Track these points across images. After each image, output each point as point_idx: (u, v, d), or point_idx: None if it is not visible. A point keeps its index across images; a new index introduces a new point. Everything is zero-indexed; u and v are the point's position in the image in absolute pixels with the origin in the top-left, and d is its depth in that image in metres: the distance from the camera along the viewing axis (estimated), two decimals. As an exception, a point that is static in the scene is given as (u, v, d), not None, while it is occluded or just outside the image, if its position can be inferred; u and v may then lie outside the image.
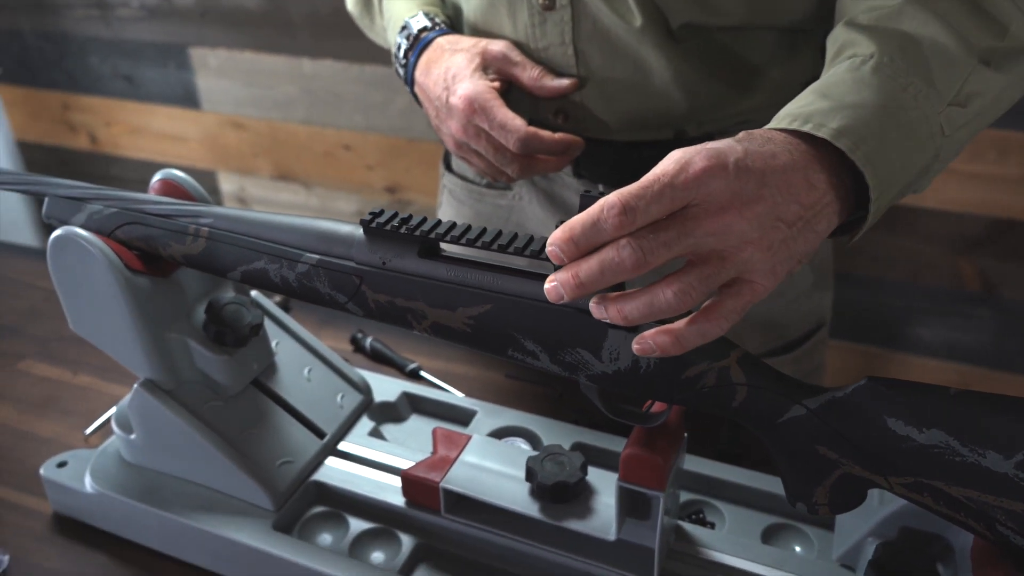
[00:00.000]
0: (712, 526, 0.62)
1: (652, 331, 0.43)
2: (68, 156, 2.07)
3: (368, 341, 0.86)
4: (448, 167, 0.89)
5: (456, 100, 0.67)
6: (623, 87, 0.70)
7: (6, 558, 0.63)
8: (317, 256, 0.53)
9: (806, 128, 0.45)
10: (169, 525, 0.61)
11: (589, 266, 0.42)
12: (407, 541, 0.60)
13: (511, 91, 0.72)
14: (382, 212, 0.52)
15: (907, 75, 0.49)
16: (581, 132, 0.71)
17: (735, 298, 0.43)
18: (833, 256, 0.87)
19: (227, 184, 1.92)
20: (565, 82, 0.69)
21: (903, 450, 0.44)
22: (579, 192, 0.78)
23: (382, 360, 0.85)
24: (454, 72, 0.69)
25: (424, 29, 0.74)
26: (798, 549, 0.60)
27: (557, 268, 0.46)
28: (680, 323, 0.43)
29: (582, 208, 0.46)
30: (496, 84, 0.69)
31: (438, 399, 0.72)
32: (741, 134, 0.45)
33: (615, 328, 0.47)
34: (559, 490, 0.56)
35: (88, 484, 0.64)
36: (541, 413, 0.70)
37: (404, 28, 0.75)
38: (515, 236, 0.49)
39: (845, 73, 0.50)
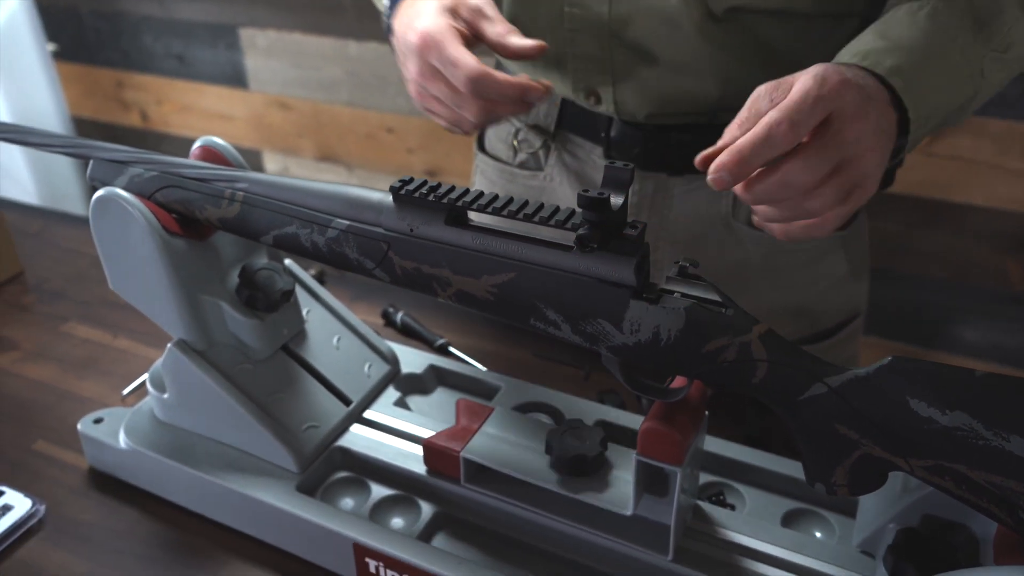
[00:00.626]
0: (732, 508, 0.62)
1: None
2: (120, 133, 2.13)
3: (399, 316, 0.87)
4: (481, 147, 0.89)
5: (412, 36, 0.63)
6: (657, 69, 0.69)
7: (42, 508, 0.66)
8: (347, 222, 0.54)
9: (865, 64, 0.52)
10: (197, 483, 0.63)
11: (765, 186, 0.50)
12: (427, 508, 0.61)
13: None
14: (411, 180, 0.53)
15: (959, 20, 0.54)
16: (613, 114, 0.71)
17: (846, 205, 0.51)
18: (869, 246, 0.86)
19: (271, 164, 1.96)
20: (529, 43, 0.63)
21: (925, 432, 0.43)
22: None
23: (412, 335, 0.86)
24: (419, 9, 0.65)
25: None
26: (819, 535, 0.59)
27: (586, 237, 0.46)
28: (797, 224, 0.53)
29: (606, 179, 0.47)
30: (460, 28, 0.64)
31: (464, 373, 0.73)
32: (818, 65, 0.51)
33: (637, 299, 0.47)
34: (577, 463, 0.56)
35: (122, 440, 0.66)
36: (575, 393, 0.70)
37: None
38: (541, 206, 0.49)
39: (904, 16, 0.56)
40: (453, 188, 0.52)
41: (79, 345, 0.86)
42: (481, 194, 0.51)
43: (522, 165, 0.83)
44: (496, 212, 0.49)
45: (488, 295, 0.51)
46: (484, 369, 0.78)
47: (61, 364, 0.83)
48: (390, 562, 0.57)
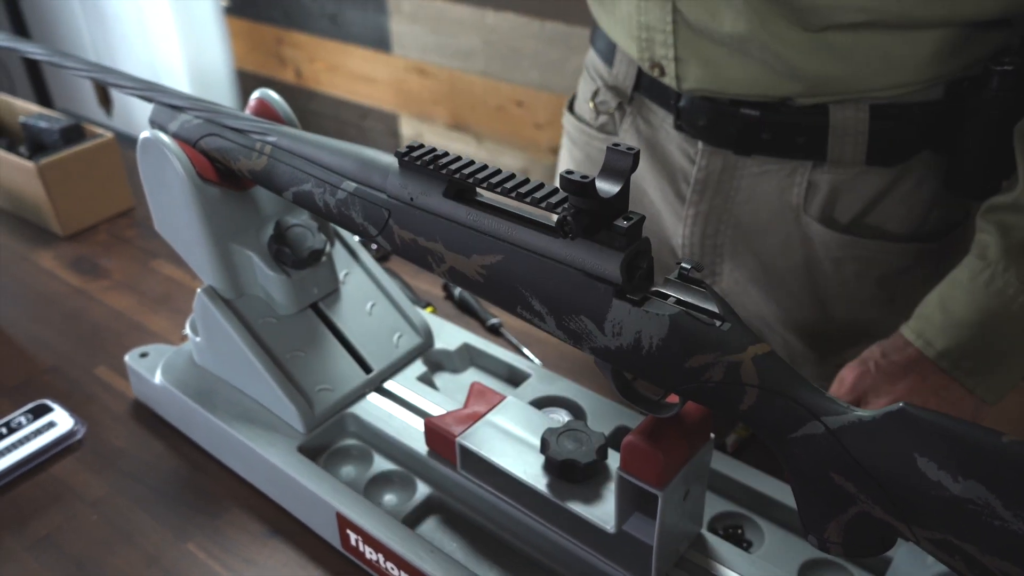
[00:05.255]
0: (748, 545, 0.55)
1: None
2: (276, 88, 2.23)
3: (458, 291, 0.85)
4: (570, 108, 0.87)
5: None
6: (721, 49, 0.63)
7: (83, 429, 0.69)
8: (355, 185, 0.52)
9: (918, 345, 0.57)
10: (213, 428, 0.64)
11: None
12: (422, 489, 0.59)
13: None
14: (420, 146, 0.50)
15: (1019, 282, 0.53)
16: (677, 88, 0.66)
17: None
18: None
19: (407, 128, 1.99)
20: None
21: (932, 498, 0.36)
22: (680, 145, 0.73)
23: (467, 311, 0.84)
24: None
25: None
26: (839, 592, 0.52)
27: (565, 223, 0.42)
28: None
29: (606, 162, 0.42)
30: None
31: (496, 356, 0.70)
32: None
33: (620, 299, 0.42)
34: (568, 468, 0.52)
35: (158, 376, 0.68)
36: (605, 393, 0.66)
37: None
38: (540, 185, 0.45)
39: (966, 282, 0.58)
40: (459, 159, 0.48)
41: (161, 282, 0.91)
42: (484, 167, 0.47)
43: (601, 128, 0.80)
44: (491, 188, 0.45)
45: (478, 276, 0.47)
46: (531, 356, 0.75)
47: (141, 297, 0.88)
48: (368, 538, 0.55)
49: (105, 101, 0.86)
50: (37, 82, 2.06)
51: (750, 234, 0.72)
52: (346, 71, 2.03)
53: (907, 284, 0.70)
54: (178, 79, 2.29)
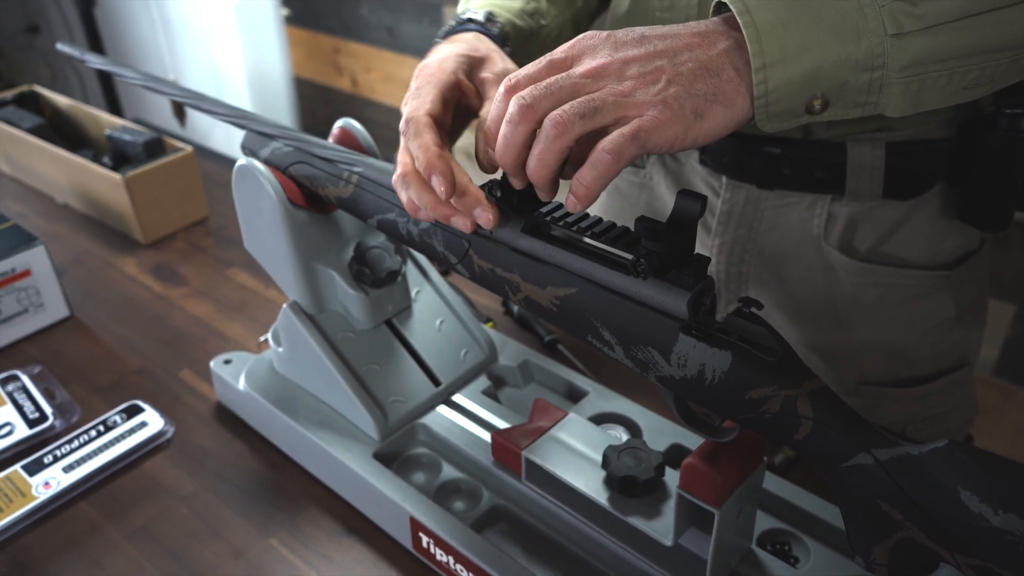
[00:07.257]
0: (796, 561, 0.59)
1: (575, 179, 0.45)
2: (332, 95, 2.30)
3: (517, 306, 0.89)
4: None
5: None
6: None
7: (172, 429, 0.75)
8: (437, 216, 0.57)
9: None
10: (293, 432, 0.69)
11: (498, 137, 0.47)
12: (488, 498, 0.64)
13: None
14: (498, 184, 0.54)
15: None
16: None
17: (619, 132, 0.43)
18: (988, 292, 0.79)
19: (460, 138, 2.04)
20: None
21: (974, 529, 0.39)
22: (705, 179, 0.77)
23: (526, 326, 0.88)
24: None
25: (468, 21, 0.64)
26: (882, 610, 0.55)
27: (638, 264, 0.46)
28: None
29: (676, 206, 0.46)
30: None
31: (556, 373, 0.74)
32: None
33: (686, 334, 0.46)
34: (628, 484, 0.56)
35: (242, 383, 0.74)
36: (659, 410, 0.69)
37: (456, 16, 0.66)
38: (612, 226, 0.49)
39: None
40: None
41: (236, 290, 0.96)
42: (560, 206, 0.51)
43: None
44: (567, 227, 0.50)
45: (552, 306, 0.52)
46: (587, 373, 0.79)
47: (218, 304, 0.94)
48: (439, 541, 0.59)
49: (180, 114, 0.92)
50: (108, 91, 2.15)
51: (774, 262, 0.76)
52: (401, 81, 2.09)
53: (926, 308, 0.73)
54: (238, 84, 2.37)
